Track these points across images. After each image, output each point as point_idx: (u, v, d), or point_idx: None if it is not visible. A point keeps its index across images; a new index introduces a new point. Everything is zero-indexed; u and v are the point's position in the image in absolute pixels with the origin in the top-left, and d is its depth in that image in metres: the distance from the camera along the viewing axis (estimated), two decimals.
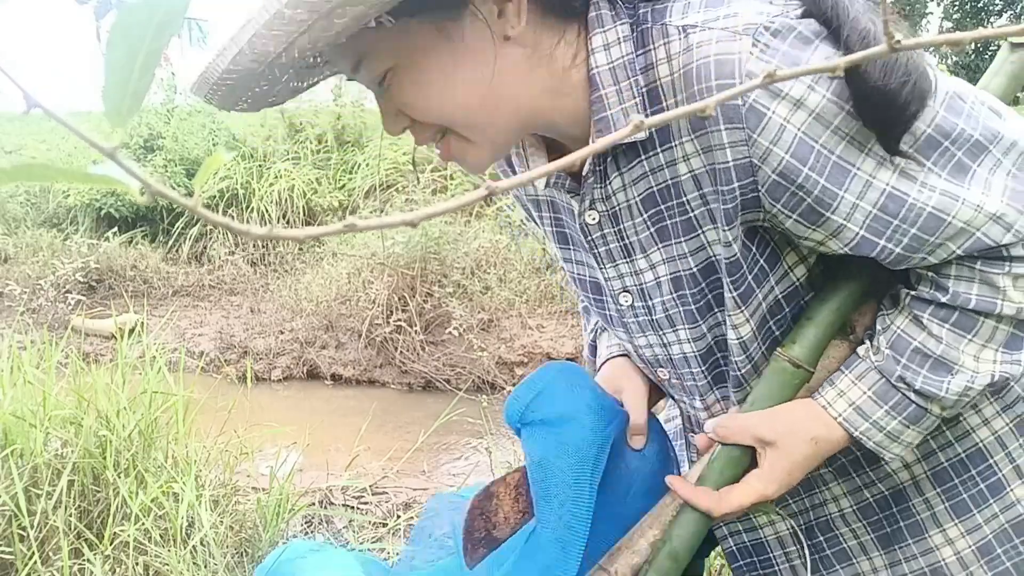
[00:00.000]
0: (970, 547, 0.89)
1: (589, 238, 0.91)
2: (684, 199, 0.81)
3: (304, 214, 7.24)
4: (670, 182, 0.81)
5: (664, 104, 0.78)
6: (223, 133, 7.92)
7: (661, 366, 0.96)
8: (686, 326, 0.89)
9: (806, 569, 0.99)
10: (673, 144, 0.79)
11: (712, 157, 0.77)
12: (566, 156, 0.28)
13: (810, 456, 0.82)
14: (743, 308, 0.84)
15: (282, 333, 5.59)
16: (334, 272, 5.83)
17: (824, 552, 0.98)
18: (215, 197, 7.27)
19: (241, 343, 5.57)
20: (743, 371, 0.89)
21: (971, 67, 17.18)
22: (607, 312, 0.98)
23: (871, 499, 0.93)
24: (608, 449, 0.93)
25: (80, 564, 1.98)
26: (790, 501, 0.98)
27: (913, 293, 0.79)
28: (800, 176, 0.73)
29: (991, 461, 0.87)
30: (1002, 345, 0.77)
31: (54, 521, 1.99)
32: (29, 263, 6.47)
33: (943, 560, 0.90)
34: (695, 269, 0.85)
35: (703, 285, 0.86)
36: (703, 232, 0.83)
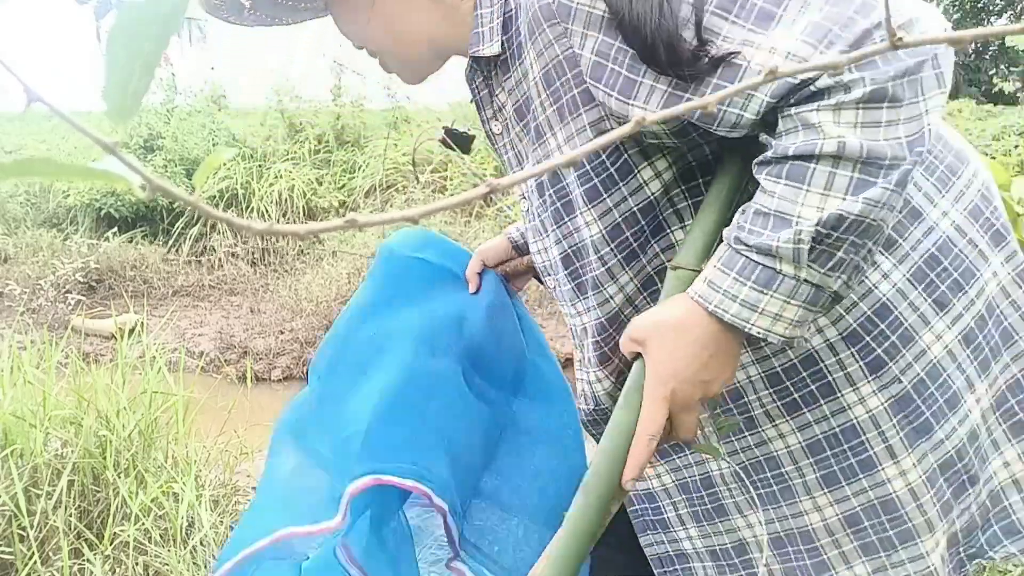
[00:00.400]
0: (837, 516, 0.92)
1: (496, 146, 1.03)
2: (534, 107, 0.91)
3: (304, 214, 7.24)
4: (528, 92, 0.91)
5: (516, 25, 0.89)
6: (223, 133, 7.92)
7: (548, 274, 1.04)
8: (554, 229, 0.97)
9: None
10: (525, 55, 0.89)
11: (544, 59, 0.86)
12: (571, 152, 0.28)
13: (687, 345, 0.78)
14: (590, 207, 0.90)
15: (282, 333, 5.59)
16: (334, 272, 5.83)
17: (705, 506, 1.02)
18: (215, 197, 7.27)
19: (241, 343, 5.57)
20: (597, 273, 0.93)
21: (971, 67, 17.17)
22: (526, 220, 1.08)
23: (747, 462, 0.96)
24: (388, 292, 1.16)
25: (80, 564, 1.98)
26: (675, 457, 1.03)
27: (755, 161, 0.77)
28: (613, 49, 0.80)
29: (864, 438, 0.89)
30: (846, 191, 0.71)
31: (54, 521, 1.99)
32: (29, 263, 6.47)
33: (811, 525, 0.94)
34: (545, 176, 0.93)
35: (551, 192, 0.94)
36: (547, 139, 0.91)
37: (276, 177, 7.29)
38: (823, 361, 0.88)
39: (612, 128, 0.85)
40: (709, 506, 1.02)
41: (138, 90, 0.18)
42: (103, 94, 0.18)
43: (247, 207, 7.25)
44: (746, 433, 0.95)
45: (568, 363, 5.38)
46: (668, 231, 0.91)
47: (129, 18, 0.18)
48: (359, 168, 7.44)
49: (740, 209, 0.79)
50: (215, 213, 0.20)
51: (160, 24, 0.18)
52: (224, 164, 7.33)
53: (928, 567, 0.90)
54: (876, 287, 0.86)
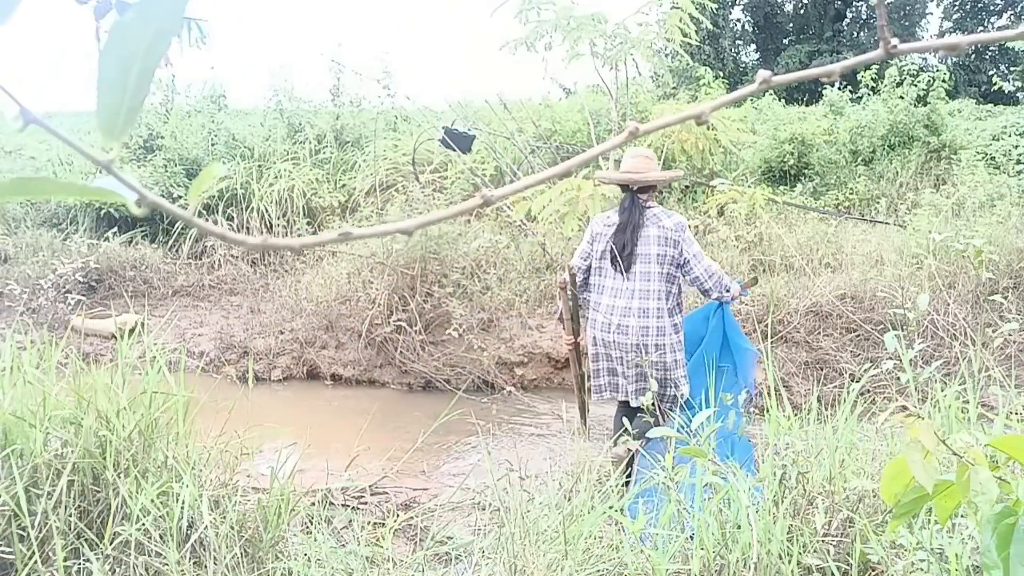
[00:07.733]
0: None
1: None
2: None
3: (304, 214, 7.24)
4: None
5: None
6: (222, 133, 7.92)
7: None
8: None
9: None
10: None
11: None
12: (569, 161, 0.28)
13: None
14: None
15: (282, 333, 5.59)
16: (334, 272, 5.84)
17: None
18: (215, 197, 7.28)
19: (241, 343, 5.57)
20: None
21: (971, 68, 17.18)
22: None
23: None
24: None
25: (80, 564, 1.98)
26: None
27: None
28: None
29: None
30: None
31: (54, 521, 1.99)
32: (29, 263, 6.47)
33: None
34: None
35: None
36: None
37: (276, 177, 7.29)
38: None
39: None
40: None
41: (132, 107, 0.18)
42: (97, 113, 0.18)
43: (247, 207, 7.25)
44: None
45: (565, 365, 5.34)
46: None
47: (121, 36, 0.18)
48: (359, 168, 7.44)
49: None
50: (210, 229, 0.20)
51: (151, 43, 0.18)
52: (223, 164, 7.31)
53: None
54: None
